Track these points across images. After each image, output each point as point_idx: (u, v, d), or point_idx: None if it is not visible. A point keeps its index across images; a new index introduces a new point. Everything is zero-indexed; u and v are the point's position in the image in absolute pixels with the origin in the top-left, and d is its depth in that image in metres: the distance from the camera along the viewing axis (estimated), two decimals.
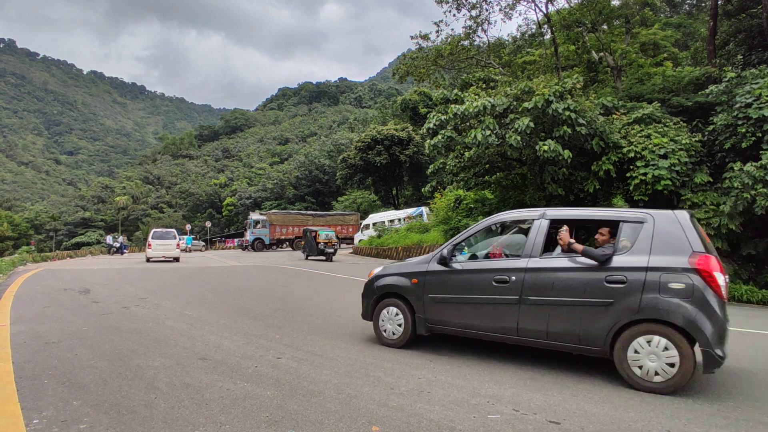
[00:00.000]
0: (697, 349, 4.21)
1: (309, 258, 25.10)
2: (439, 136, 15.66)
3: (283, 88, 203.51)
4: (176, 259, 23.97)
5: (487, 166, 18.03)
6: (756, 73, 13.71)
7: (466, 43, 23.11)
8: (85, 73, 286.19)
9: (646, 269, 4.42)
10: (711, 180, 13.53)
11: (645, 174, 13.55)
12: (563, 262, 4.98)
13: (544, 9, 21.27)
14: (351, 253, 34.24)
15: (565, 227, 5.27)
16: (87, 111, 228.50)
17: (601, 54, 20.90)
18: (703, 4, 30.81)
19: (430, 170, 18.99)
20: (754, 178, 11.89)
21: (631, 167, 14.15)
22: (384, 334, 5.98)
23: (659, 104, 15.46)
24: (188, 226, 49.13)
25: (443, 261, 5.63)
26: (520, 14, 24.05)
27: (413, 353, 5.56)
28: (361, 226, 36.84)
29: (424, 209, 34.87)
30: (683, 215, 4.66)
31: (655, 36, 25.62)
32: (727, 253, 13.38)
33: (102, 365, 4.78)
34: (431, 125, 16.12)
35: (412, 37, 23.84)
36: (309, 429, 3.30)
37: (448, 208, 24.56)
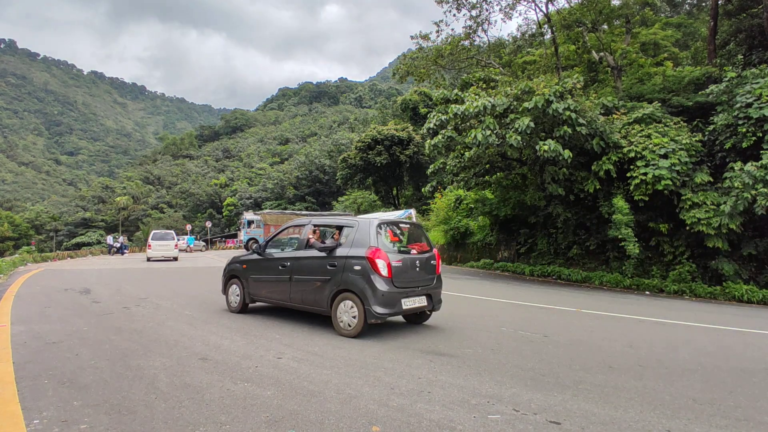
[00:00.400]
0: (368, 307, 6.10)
1: None
2: (440, 136, 15.66)
3: (284, 88, 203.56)
4: (175, 259, 25.17)
5: (487, 166, 18.03)
6: (756, 73, 13.70)
7: (466, 43, 23.08)
8: (85, 73, 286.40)
9: (346, 257, 6.48)
10: (711, 180, 13.52)
11: (645, 174, 13.54)
12: (310, 252, 7.02)
13: (544, 9, 21.25)
14: None
15: (311, 229, 7.44)
16: (87, 111, 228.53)
17: (602, 54, 20.88)
18: (703, 4, 30.78)
19: (430, 170, 18.98)
20: (754, 177, 11.89)
21: (632, 167, 14.14)
22: (229, 304, 8.31)
23: (659, 104, 15.45)
24: (189, 227, 49.07)
25: (259, 252, 7.92)
26: (520, 14, 24.04)
27: (413, 353, 5.56)
28: None
29: (413, 211, 34.88)
30: (374, 223, 6.68)
31: (656, 36, 25.60)
32: (728, 252, 13.38)
33: (102, 365, 4.78)
34: (431, 125, 16.12)
35: (412, 37, 23.82)
36: (309, 429, 3.30)
37: (448, 208, 24.56)
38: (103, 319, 7.40)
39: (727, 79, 14.06)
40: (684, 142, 13.76)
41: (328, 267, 6.63)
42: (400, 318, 7.80)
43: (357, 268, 6.30)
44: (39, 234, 73.36)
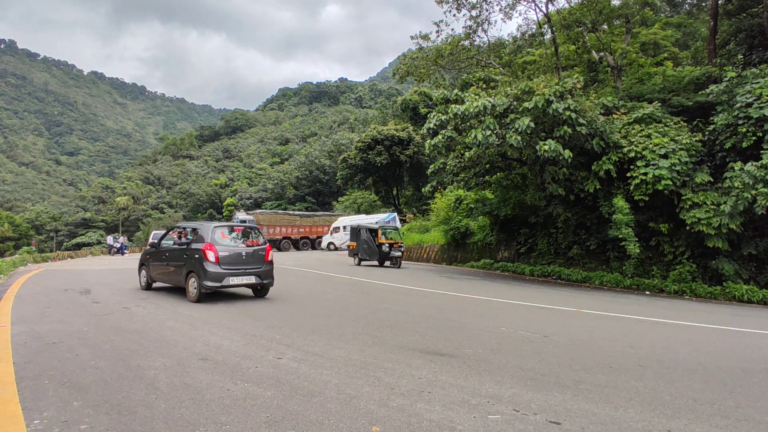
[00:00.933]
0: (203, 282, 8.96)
1: (363, 263, 21.03)
2: (440, 136, 15.66)
3: (284, 88, 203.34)
4: None
5: (487, 166, 18.02)
6: (756, 73, 13.70)
7: (466, 43, 23.08)
8: (85, 73, 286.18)
9: (193, 249, 9.36)
10: (711, 180, 13.51)
11: (645, 174, 13.54)
12: (177, 245, 10.12)
13: (544, 9, 21.25)
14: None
15: (176, 231, 10.78)
16: (87, 111, 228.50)
17: (602, 54, 20.88)
18: (703, 4, 30.77)
19: (430, 170, 18.97)
20: (754, 177, 11.89)
21: (632, 167, 14.14)
22: (141, 284, 11.41)
23: (659, 104, 15.45)
24: None
25: (153, 245, 12.00)
26: (520, 14, 24.02)
27: (413, 353, 5.56)
28: (332, 228, 35.82)
29: (396, 215, 34.73)
30: (212, 226, 9.66)
31: (656, 36, 25.59)
32: (728, 252, 13.38)
33: (103, 366, 4.78)
34: (431, 125, 16.11)
35: (412, 38, 23.81)
36: (309, 429, 3.30)
37: (448, 208, 24.55)
38: (103, 319, 7.40)
39: (727, 78, 14.06)
40: (684, 142, 13.75)
41: (184, 256, 9.61)
42: (401, 318, 7.80)
43: (197, 256, 9.19)
44: (39, 234, 73.30)
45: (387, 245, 19.81)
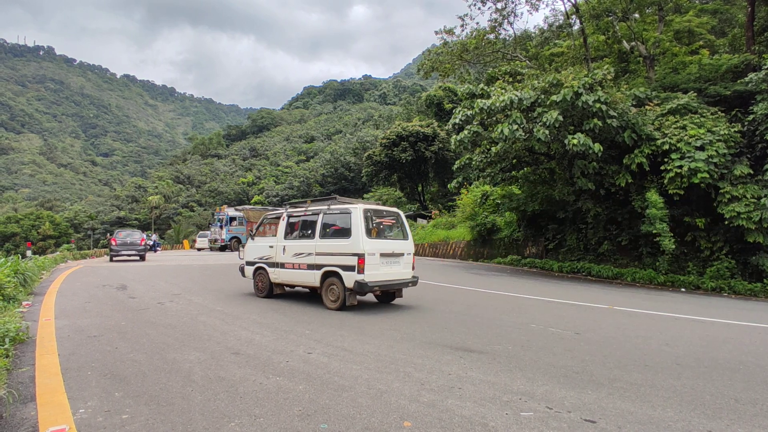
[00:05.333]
0: None
1: None
2: (465, 132, 15.51)
3: (309, 86, 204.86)
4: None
5: (514, 161, 17.77)
6: None
7: (491, 36, 22.74)
8: (118, 77, 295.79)
9: None
10: (752, 172, 12.96)
11: (680, 167, 13.09)
12: None
13: None
14: None
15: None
16: (120, 114, 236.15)
17: (633, 43, 20.23)
18: None
19: (456, 166, 18.83)
20: None
21: (666, 160, 13.69)
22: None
23: (695, 94, 14.88)
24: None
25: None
26: (547, 5, 23.42)
27: (443, 349, 5.54)
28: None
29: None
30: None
31: (690, 23, 24.57)
32: None
33: (140, 358, 4.95)
34: (457, 121, 15.98)
35: (436, 32, 23.65)
36: (341, 423, 3.34)
37: (474, 204, 24.32)
38: (139, 314, 7.66)
39: (766, 66, 13.44)
40: (722, 133, 13.22)
41: None
42: (429, 315, 7.81)
43: None
44: (77, 232, 76.31)
45: None
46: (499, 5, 21.62)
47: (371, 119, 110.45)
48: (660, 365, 5.14)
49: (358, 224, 7.94)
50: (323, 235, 8.54)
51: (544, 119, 13.37)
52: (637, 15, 21.62)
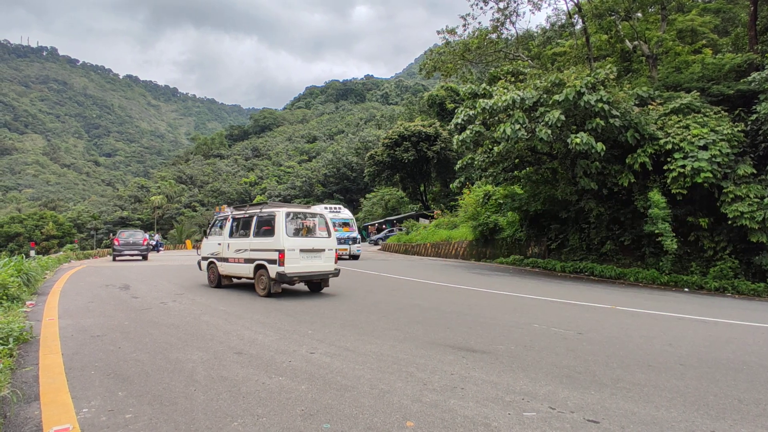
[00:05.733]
0: None
1: None
2: (468, 132, 15.50)
3: (311, 86, 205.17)
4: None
5: (516, 161, 17.74)
6: None
7: (493, 36, 22.71)
8: (121, 77, 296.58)
9: None
10: (755, 171, 12.91)
11: (683, 166, 13.05)
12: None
13: None
14: (380, 249, 34.46)
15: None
16: (123, 114, 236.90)
17: (636, 43, 20.17)
18: None
19: (458, 166, 18.81)
20: None
21: (669, 159, 13.64)
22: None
23: (698, 93, 14.82)
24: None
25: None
26: (549, 4, 23.43)
27: (445, 349, 5.54)
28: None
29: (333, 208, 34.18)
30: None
31: (693, 22, 24.49)
32: None
33: (143, 358, 4.96)
34: (459, 120, 15.97)
35: (438, 32, 23.62)
36: (344, 423, 3.34)
37: (476, 203, 24.32)
38: (142, 313, 7.68)
39: None
40: (725, 132, 13.17)
41: None
42: (431, 315, 7.82)
43: None
44: (81, 232, 76.57)
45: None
46: (501, 5, 21.60)
47: (373, 119, 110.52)
48: (663, 365, 5.13)
49: (280, 225, 9.34)
50: (256, 234, 10.01)
51: (547, 119, 13.35)
52: (639, 14, 21.58)
